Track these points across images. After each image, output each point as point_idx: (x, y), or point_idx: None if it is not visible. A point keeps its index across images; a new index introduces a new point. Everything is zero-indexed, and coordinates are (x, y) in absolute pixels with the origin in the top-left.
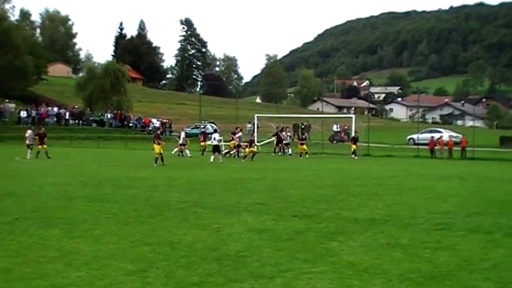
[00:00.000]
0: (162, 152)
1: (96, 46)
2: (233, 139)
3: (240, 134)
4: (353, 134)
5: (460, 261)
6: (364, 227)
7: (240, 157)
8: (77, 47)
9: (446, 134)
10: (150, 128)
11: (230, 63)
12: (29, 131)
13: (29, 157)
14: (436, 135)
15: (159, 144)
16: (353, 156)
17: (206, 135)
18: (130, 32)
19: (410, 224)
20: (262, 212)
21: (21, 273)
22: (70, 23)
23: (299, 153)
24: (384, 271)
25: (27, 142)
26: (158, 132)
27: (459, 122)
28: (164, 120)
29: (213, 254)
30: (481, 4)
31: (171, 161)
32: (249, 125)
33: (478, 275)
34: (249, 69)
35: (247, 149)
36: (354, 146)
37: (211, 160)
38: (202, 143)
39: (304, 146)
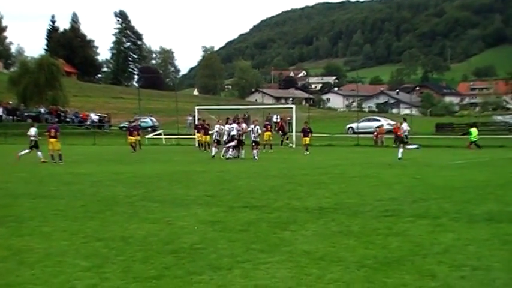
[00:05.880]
0: (59, 148)
1: (27, 40)
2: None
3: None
4: (295, 125)
5: (412, 247)
6: (314, 216)
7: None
8: (7, 41)
9: (384, 122)
10: (88, 123)
11: (166, 55)
12: None
13: None
14: (374, 124)
15: (55, 138)
16: (306, 152)
17: (139, 130)
18: (63, 25)
19: (360, 212)
20: (212, 204)
21: None
22: None
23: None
24: (340, 259)
25: None
26: (56, 125)
27: (394, 110)
28: (103, 115)
29: (168, 247)
30: None
31: (114, 156)
32: (189, 118)
33: (431, 259)
34: (185, 61)
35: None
36: (306, 139)
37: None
38: (132, 138)
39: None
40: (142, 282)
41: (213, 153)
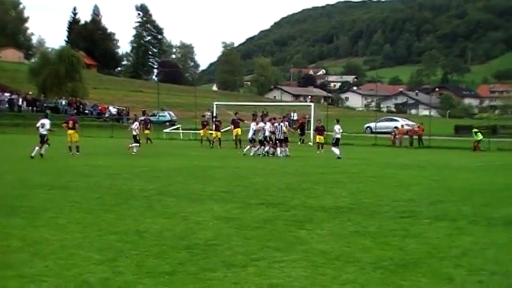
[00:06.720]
0: (77, 140)
1: (48, 31)
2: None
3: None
4: (315, 124)
5: (430, 249)
6: (331, 215)
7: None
8: (28, 31)
9: (403, 123)
10: (107, 115)
11: (186, 50)
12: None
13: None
14: (393, 124)
15: (74, 129)
16: (320, 150)
17: (147, 124)
18: (84, 17)
19: (376, 212)
20: (228, 200)
21: None
22: (21, 6)
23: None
24: (355, 259)
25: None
26: (74, 117)
27: (413, 111)
28: (122, 108)
29: (182, 242)
30: None
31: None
32: (208, 113)
33: (448, 263)
34: (205, 56)
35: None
36: (320, 138)
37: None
38: (147, 131)
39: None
40: (156, 277)
41: (251, 153)
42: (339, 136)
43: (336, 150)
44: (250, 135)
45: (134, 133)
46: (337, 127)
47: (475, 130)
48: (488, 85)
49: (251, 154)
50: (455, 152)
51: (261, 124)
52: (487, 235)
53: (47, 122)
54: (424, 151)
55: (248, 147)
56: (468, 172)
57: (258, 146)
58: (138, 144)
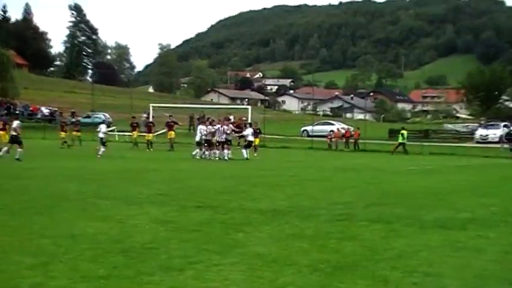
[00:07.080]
0: (7, 141)
1: None
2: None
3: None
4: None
5: (365, 251)
6: (268, 218)
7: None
8: None
9: (339, 126)
10: (39, 116)
11: (122, 51)
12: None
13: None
14: (329, 128)
15: (5, 130)
16: (255, 153)
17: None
18: (15, 15)
19: (313, 215)
20: (165, 203)
21: None
22: None
23: None
24: (293, 262)
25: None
26: (4, 118)
27: (348, 115)
28: (54, 109)
29: (118, 246)
30: (368, 1)
31: (65, 151)
32: (144, 115)
33: (384, 264)
34: (141, 58)
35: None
36: (256, 140)
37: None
38: (77, 133)
39: None
40: (90, 281)
41: (195, 154)
42: (251, 139)
43: (244, 153)
44: (197, 138)
45: (101, 136)
46: (249, 130)
47: (402, 132)
48: (421, 90)
49: (197, 156)
50: (389, 156)
51: (209, 127)
52: (421, 237)
53: (15, 123)
54: (359, 154)
55: (197, 150)
56: (401, 175)
57: (204, 149)
58: (104, 149)
